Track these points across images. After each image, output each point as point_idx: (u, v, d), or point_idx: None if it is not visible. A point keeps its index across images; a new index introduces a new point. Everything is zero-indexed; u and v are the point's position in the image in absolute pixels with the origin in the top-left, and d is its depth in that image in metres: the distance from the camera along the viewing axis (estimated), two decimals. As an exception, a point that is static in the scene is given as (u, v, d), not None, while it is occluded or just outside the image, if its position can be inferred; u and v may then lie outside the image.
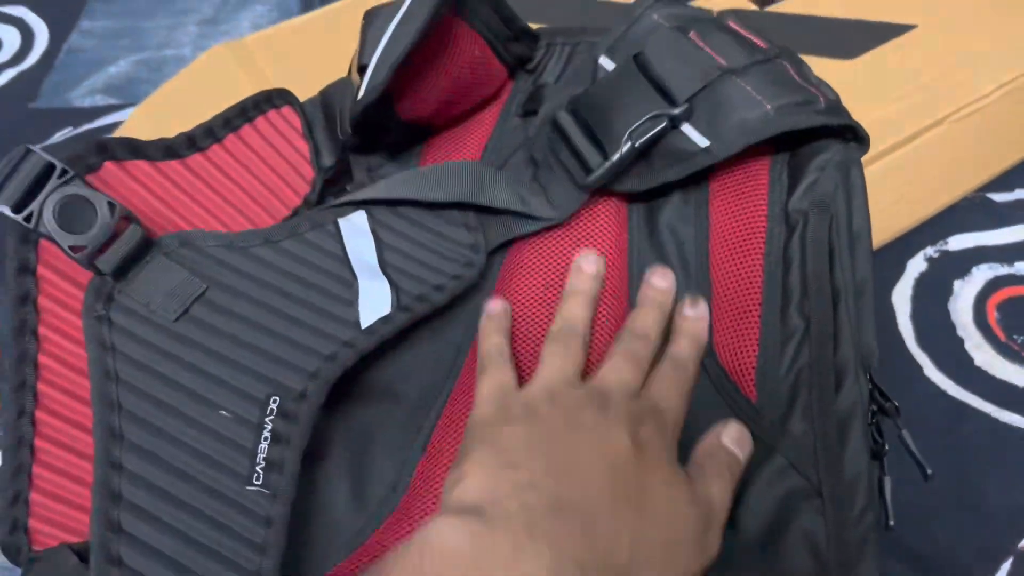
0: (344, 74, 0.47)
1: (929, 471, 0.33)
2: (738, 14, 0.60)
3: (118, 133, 0.57)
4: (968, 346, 0.49)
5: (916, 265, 0.53)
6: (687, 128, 0.38)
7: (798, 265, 0.37)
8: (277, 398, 0.33)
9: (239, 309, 0.35)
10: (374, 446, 0.37)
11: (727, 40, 0.39)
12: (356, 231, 0.39)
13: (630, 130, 0.38)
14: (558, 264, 0.41)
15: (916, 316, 0.50)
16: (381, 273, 0.38)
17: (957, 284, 0.52)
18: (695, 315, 0.37)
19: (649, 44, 0.40)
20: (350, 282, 0.37)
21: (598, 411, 0.31)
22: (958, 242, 0.54)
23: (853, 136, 0.39)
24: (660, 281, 0.38)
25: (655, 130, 0.38)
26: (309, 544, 0.35)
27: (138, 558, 0.30)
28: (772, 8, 0.59)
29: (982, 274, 0.52)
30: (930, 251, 0.54)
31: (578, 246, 0.41)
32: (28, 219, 0.32)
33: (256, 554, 0.31)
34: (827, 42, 0.56)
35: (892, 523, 0.33)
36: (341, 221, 0.39)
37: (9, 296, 0.34)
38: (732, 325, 0.38)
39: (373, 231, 0.39)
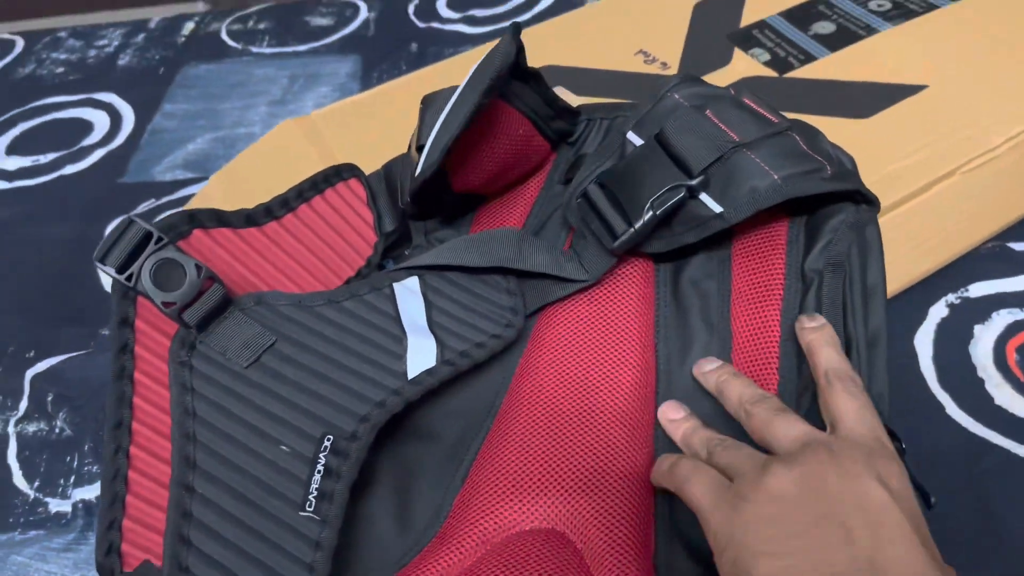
0: (401, 143, 0.52)
1: (933, 499, 0.35)
2: (759, 82, 0.64)
3: (196, 197, 0.63)
4: (988, 386, 0.51)
5: (938, 311, 0.55)
6: (704, 197, 0.42)
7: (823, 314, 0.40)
8: (331, 437, 0.37)
9: (302, 359, 0.39)
10: (419, 478, 0.41)
11: (741, 116, 0.43)
12: (409, 294, 0.44)
13: (652, 200, 0.42)
14: (588, 314, 0.44)
15: (938, 359, 0.53)
16: (429, 331, 0.42)
17: (978, 328, 0.54)
18: (818, 324, 0.39)
19: (669, 122, 0.44)
20: (400, 338, 0.41)
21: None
22: (978, 289, 0.56)
23: (863, 199, 0.42)
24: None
25: (674, 199, 0.42)
26: (360, 563, 0.39)
27: (202, 567, 0.34)
28: (790, 74, 0.64)
29: (1002, 319, 0.54)
30: (951, 298, 0.56)
31: (607, 300, 0.45)
32: (129, 279, 0.38)
33: (305, 572, 0.34)
34: (843, 103, 0.60)
35: None
36: (396, 285, 0.44)
37: (112, 345, 0.39)
38: (752, 374, 0.41)
39: (424, 294, 0.44)
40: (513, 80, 0.47)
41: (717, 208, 0.42)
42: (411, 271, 0.45)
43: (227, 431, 0.37)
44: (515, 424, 0.41)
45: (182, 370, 0.38)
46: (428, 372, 0.40)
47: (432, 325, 0.42)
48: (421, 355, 0.41)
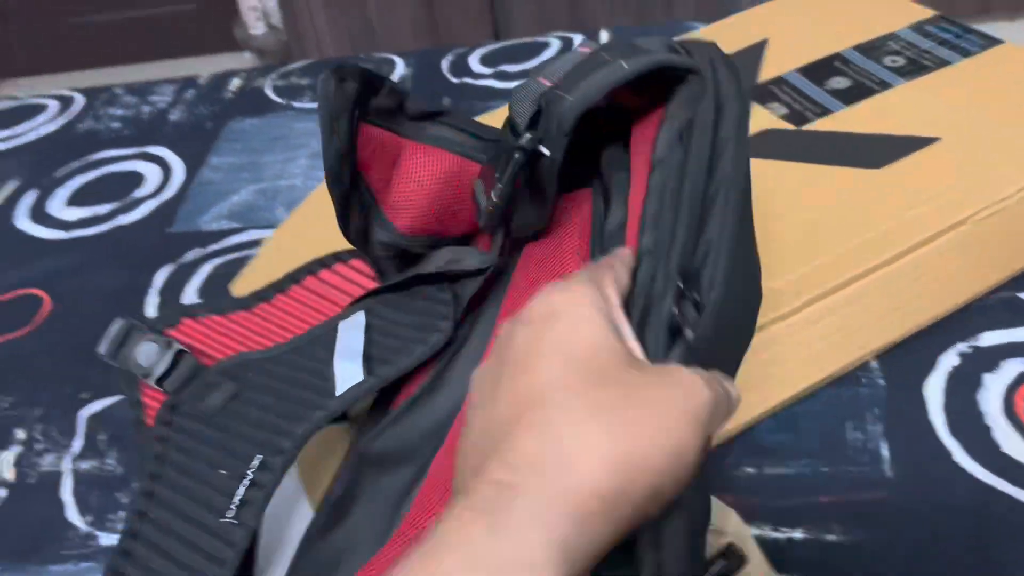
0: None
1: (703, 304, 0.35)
2: (777, 134, 0.67)
3: (255, 261, 0.68)
4: (996, 434, 0.52)
5: (949, 360, 0.57)
6: (543, 148, 0.42)
7: (655, 202, 0.39)
8: (261, 456, 0.44)
9: (258, 399, 0.47)
10: (398, 496, 0.46)
11: (560, 65, 0.44)
12: (353, 325, 0.50)
13: (499, 174, 0.44)
14: (531, 288, 0.46)
15: (948, 407, 0.54)
16: (362, 353, 0.48)
17: (987, 377, 0.55)
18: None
19: (511, 103, 0.45)
20: (329, 361, 0.48)
21: None
22: (989, 339, 0.57)
23: (686, 72, 0.41)
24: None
25: (511, 164, 0.43)
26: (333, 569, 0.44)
27: (135, 571, 0.42)
28: (807, 127, 0.66)
29: (1011, 368, 0.55)
30: (962, 347, 0.57)
31: (545, 277, 0.47)
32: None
33: (217, 566, 0.41)
34: (857, 154, 0.62)
35: None
36: (342, 322, 0.50)
37: (133, 420, 0.49)
38: None
39: (368, 324, 0.49)
40: (419, 122, 0.50)
41: (548, 153, 0.42)
42: (357, 306, 0.50)
43: (187, 467, 0.44)
44: (458, 427, 0.45)
45: (160, 427, 0.46)
46: (355, 387, 0.45)
47: (369, 346, 0.48)
48: (350, 374, 0.47)
